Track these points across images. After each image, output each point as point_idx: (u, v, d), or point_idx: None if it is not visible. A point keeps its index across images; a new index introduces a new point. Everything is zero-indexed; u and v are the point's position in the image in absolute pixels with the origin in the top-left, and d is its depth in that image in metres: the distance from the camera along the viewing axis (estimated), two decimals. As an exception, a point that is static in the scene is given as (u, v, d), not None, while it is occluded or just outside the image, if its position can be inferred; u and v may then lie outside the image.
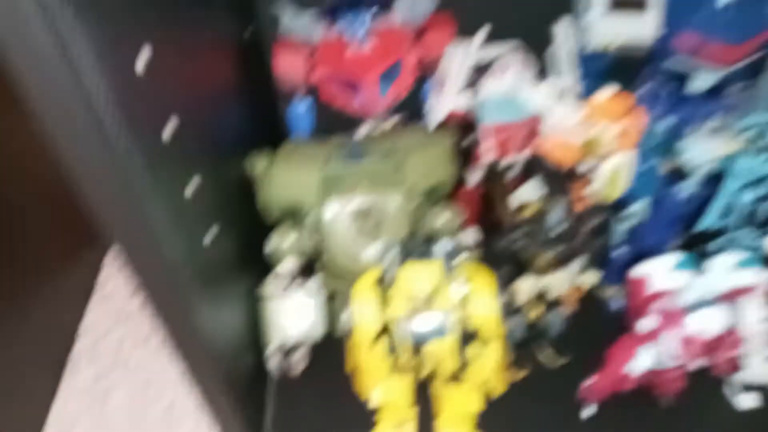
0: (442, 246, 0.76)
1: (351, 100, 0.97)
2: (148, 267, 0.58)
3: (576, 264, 0.88)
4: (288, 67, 0.98)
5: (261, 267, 0.90)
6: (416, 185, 0.85)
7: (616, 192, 0.87)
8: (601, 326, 0.94)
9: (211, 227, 0.71)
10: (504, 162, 0.88)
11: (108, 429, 1.05)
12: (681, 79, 0.93)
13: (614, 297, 1.03)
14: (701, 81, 0.91)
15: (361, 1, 0.93)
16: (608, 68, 0.97)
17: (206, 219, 0.70)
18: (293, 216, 0.91)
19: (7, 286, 1.02)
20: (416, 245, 0.78)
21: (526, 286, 0.86)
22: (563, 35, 0.90)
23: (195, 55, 0.73)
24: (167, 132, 0.57)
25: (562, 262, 0.81)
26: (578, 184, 0.84)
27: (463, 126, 0.99)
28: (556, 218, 0.77)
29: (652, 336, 0.79)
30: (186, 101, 0.66)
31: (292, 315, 0.88)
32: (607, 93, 0.84)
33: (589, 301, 0.99)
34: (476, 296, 0.75)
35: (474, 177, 1.06)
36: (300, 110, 1.02)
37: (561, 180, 0.81)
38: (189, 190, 0.64)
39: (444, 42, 0.97)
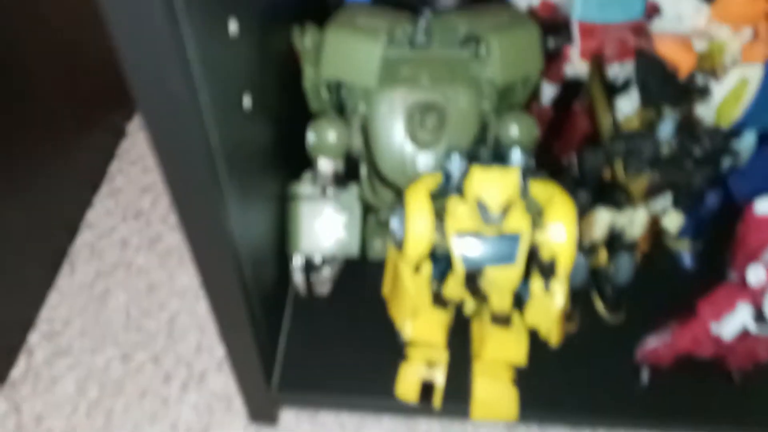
0: (516, 156, 0.61)
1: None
2: (175, 132, 0.45)
3: (664, 200, 0.72)
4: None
5: (297, 163, 0.76)
6: (495, 78, 0.68)
7: (734, 114, 0.70)
8: (668, 284, 0.83)
9: (247, 92, 0.56)
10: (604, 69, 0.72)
11: (102, 333, 0.94)
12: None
13: (691, 252, 0.88)
14: None
15: None
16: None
17: (245, 81, 0.56)
18: (341, 105, 0.76)
19: (7, 160, 0.89)
20: (485, 153, 0.63)
21: (603, 220, 0.71)
22: None
23: None
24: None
25: (655, 191, 0.65)
26: (694, 97, 0.68)
27: (551, 24, 0.82)
28: (666, 133, 0.60)
29: (761, 290, 0.64)
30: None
31: (325, 224, 0.73)
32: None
33: (658, 251, 0.84)
34: (553, 221, 0.60)
35: (550, 91, 0.90)
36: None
37: (674, 89, 0.64)
38: (232, 29, 0.50)
39: None
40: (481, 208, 0.56)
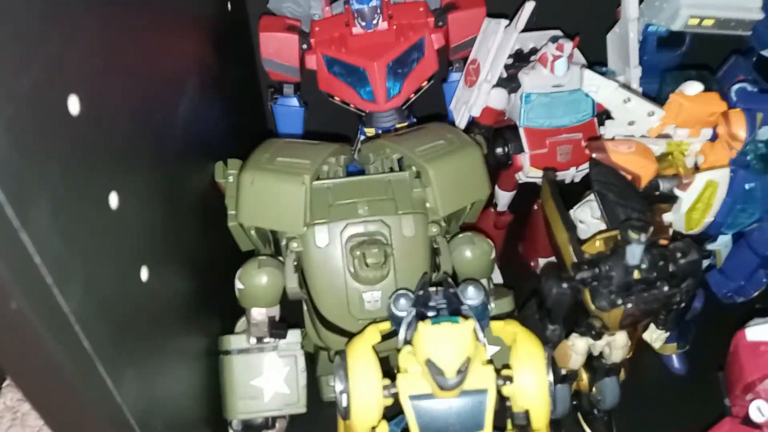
0: (471, 294, 0.52)
1: (355, 93, 0.74)
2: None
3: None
4: (278, 47, 0.75)
5: (225, 313, 0.67)
6: (439, 205, 0.60)
7: (702, 220, 0.63)
8: (659, 391, 0.76)
9: (150, 255, 0.47)
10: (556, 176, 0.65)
11: None
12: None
13: (677, 356, 0.80)
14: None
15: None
16: (685, 57, 0.75)
17: (143, 243, 0.47)
18: (271, 243, 0.67)
19: None
20: (436, 294, 0.55)
21: (579, 349, 0.62)
22: (633, 9, 0.67)
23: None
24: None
25: (631, 322, 0.57)
26: (658, 207, 0.61)
27: (497, 130, 0.76)
28: (634, 258, 0.52)
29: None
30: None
31: (264, 380, 0.63)
32: (692, 89, 0.61)
33: (643, 356, 0.76)
34: (521, 370, 0.51)
35: (505, 197, 0.83)
36: (289, 104, 0.79)
37: (636, 201, 0.57)
38: (114, 201, 0.42)
39: (476, 22, 0.74)
40: (434, 371, 0.47)
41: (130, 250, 0.45)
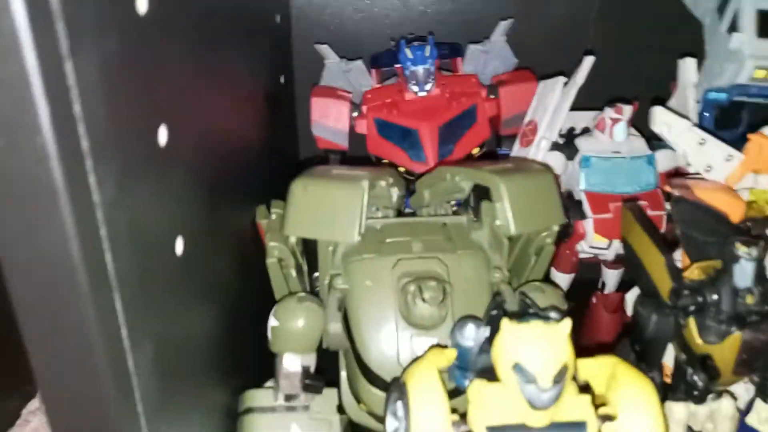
0: (555, 317, 0.43)
1: (405, 154, 0.71)
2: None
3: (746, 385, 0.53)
4: (328, 112, 0.73)
5: (251, 371, 0.57)
6: (506, 228, 0.53)
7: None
8: None
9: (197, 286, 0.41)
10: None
11: None
12: None
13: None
14: None
15: (422, 45, 0.72)
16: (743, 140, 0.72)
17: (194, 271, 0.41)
18: (314, 292, 0.59)
19: None
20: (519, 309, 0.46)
21: (678, 416, 0.50)
22: (692, 73, 0.66)
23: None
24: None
25: (754, 355, 0.46)
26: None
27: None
28: (744, 278, 0.44)
29: None
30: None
31: (292, 447, 0.51)
32: (773, 133, 0.57)
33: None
34: (626, 409, 0.40)
35: (563, 282, 0.75)
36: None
37: (731, 233, 0.50)
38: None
39: (528, 95, 0.73)
40: (524, 377, 0.37)
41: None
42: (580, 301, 0.79)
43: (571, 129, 0.76)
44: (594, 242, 0.67)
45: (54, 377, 0.31)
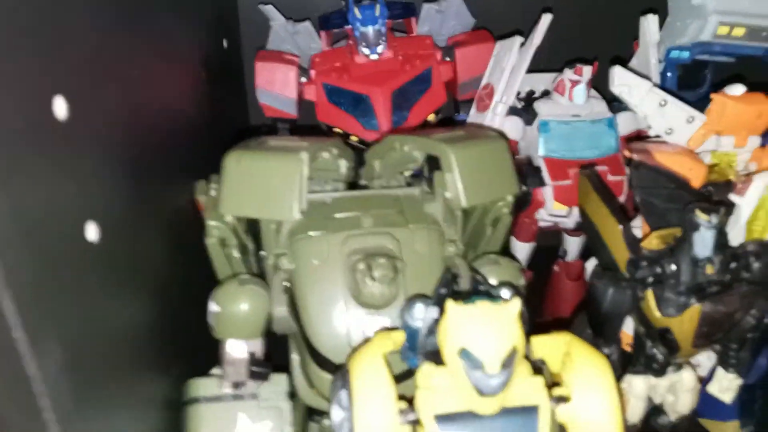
0: (506, 295, 0.41)
1: (357, 122, 0.67)
2: None
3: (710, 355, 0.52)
4: (274, 78, 0.68)
5: (196, 357, 0.54)
6: (457, 200, 0.50)
7: (765, 233, 0.53)
8: None
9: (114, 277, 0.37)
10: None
11: None
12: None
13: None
14: None
15: (371, 4, 0.68)
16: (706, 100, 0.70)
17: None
18: (260, 272, 0.56)
19: None
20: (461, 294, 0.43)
21: (638, 390, 0.49)
22: (653, 33, 0.63)
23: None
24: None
25: (714, 328, 0.44)
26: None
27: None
28: (704, 247, 0.42)
29: None
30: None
31: (240, 434, 0.49)
32: (737, 89, 0.55)
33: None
34: (580, 388, 0.38)
35: (523, 251, 0.73)
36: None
37: (694, 197, 0.48)
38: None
39: (485, 57, 0.69)
40: (470, 363, 0.34)
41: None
42: (543, 270, 0.77)
43: (531, 92, 0.73)
44: (554, 210, 0.64)
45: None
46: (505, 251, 0.58)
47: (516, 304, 0.35)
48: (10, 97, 0.27)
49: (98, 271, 0.37)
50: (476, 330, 0.34)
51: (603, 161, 0.65)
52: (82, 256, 0.34)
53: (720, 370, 0.51)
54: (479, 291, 0.42)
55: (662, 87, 0.68)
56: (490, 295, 0.40)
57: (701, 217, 0.42)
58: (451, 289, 0.43)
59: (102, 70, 0.38)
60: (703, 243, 0.42)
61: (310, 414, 0.57)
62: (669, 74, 0.69)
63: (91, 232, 0.35)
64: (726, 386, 0.51)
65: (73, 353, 0.32)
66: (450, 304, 0.36)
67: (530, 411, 0.36)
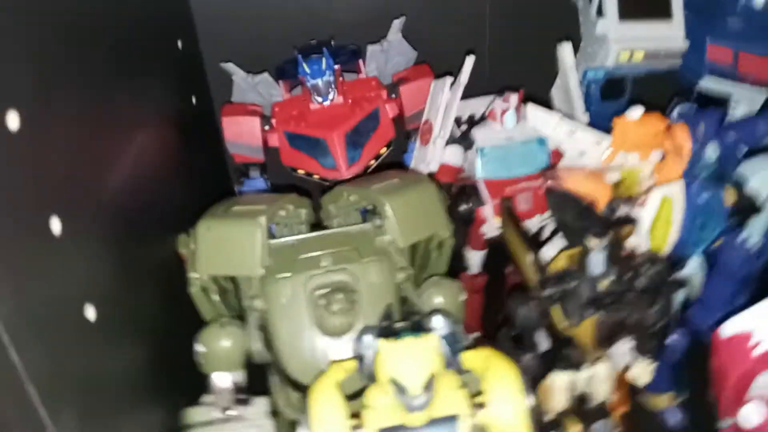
0: (438, 322, 0.50)
1: (317, 163, 0.76)
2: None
3: (625, 345, 0.60)
4: (240, 130, 0.77)
5: (190, 390, 0.63)
6: (397, 241, 0.59)
7: (668, 236, 0.61)
8: None
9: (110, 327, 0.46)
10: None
11: None
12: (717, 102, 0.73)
13: (670, 409, 0.75)
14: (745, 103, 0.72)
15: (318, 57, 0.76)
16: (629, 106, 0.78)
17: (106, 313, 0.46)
18: (235, 309, 0.65)
19: None
20: (402, 325, 0.52)
21: (560, 385, 0.58)
22: (568, 58, 0.70)
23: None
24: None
25: (607, 338, 0.53)
26: (621, 232, 0.60)
27: (459, 188, 0.76)
28: (597, 266, 0.50)
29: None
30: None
31: (231, 454, 0.58)
32: (635, 113, 0.62)
33: (639, 415, 0.71)
34: (495, 395, 0.47)
35: (476, 258, 0.82)
36: (256, 187, 0.80)
37: (595, 221, 0.56)
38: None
39: (426, 91, 0.77)
40: (398, 389, 0.43)
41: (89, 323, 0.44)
42: (497, 272, 0.86)
43: (471, 116, 0.81)
44: (495, 224, 0.73)
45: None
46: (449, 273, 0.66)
47: (432, 339, 0.44)
48: (9, 218, 0.36)
49: (99, 338, 0.46)
50: (401, 363, 0.43)
51: (536, 176, 0.73)
52: (85, 333, 0.43)
53: (636, 357, 0.60)
54: (412, 322, 0.50)
55: (587, 101, 0.77)
56: (420, 325, 0.49)
57: (591, 242, 0.50)
58: (392, 321, 0.51)
59: (87, 182, 0.46)
60: (596, 263, 0.51)
61: (293, 426, 0.66)
62: (591, 89, 0.77)
63: (90, 312, 0.44)
64: (641, 371, 0.60)
65: (85, 411, 0.41)
66: (381, 342, 0.45)
67: (451, 420, 0.45)
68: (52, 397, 0.37)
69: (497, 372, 0.48)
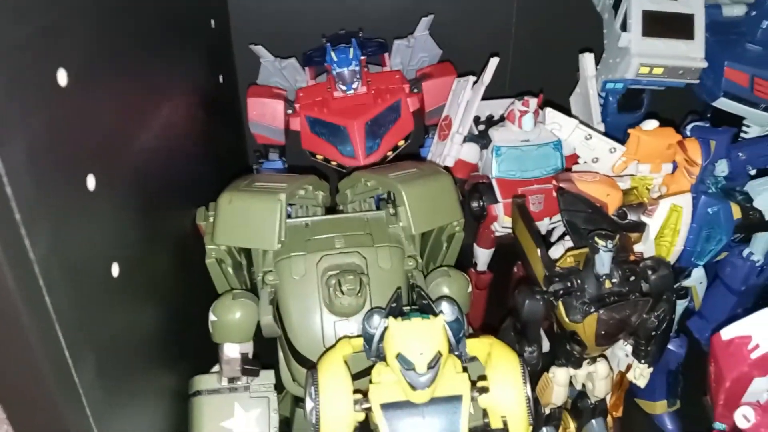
0: (445, 308, 0.51)
1: (336, 150, 0.78)
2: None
3: (624, 348, 0.62)
4: (264, 111, 0.78)
5: (201, 359, 0.65)
6: (409, 228, 0.61)
7: (671, 248, 0.63)
8: None
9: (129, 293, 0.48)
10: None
11: None
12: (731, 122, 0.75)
13: (669, 415, 0.77)
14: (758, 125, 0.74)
15: (346, 47, 0.78)
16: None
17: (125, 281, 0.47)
18: (248, 283, 0.67)
19: None
20: (410, 308, 0.54)
21: (560, 379, 0.59)
22: (590, 68, 0.72)
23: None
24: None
25: (607, 336, 0.55)
26: (629, 237, 0.61)
27: (473, 185, 0.78)
28: (603, 266, 0.52)
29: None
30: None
31: (236, 420, 0.60)
32: (650, 125, 0.64)
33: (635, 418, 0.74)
34: (495, 379, 0.49)
35: (484, 255, 0.83)
36: (273, 167, 0.82)
37: (603, 224, 0.58)
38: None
39: (448, 88, 0.79)
40: (404, 365, 0.45)
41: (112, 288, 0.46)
42: (505, 271, 0.87)
43: (490, 116, 0.83)
44: (505, 223, 0.74)
45: (12, 393, 0.38)
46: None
47: (440, 321, 0.46)
48: (53, 165, 0.38)
49: (121, 296, 0.47)
50: (409, 339, 0.45)
51: (549, 179, 0.75)
52: (109, 287, 0.45)
53: (635, 362, 0.62)
54: (422, 305, 0.52)
55: (603, 111, 0.78)
56: (430, 308, 0.51)
57: (599, 242, 0.52)
58: (400, 304, 0.53)
59: (121, 146, 0.48)
60: (601, 263, 0.52)
61: (297, 402, 0.69)
62: (609, 100, 0.78)
63: (115, 269, 0.46)
64: (639, 374, 0.62)
65: (103, 360, 0.43)
66: (391, 320, 0.46)
67: (455, 399, 0.47)
68: (75, 343, 0.39)
69: (500, 358, 0.49)
